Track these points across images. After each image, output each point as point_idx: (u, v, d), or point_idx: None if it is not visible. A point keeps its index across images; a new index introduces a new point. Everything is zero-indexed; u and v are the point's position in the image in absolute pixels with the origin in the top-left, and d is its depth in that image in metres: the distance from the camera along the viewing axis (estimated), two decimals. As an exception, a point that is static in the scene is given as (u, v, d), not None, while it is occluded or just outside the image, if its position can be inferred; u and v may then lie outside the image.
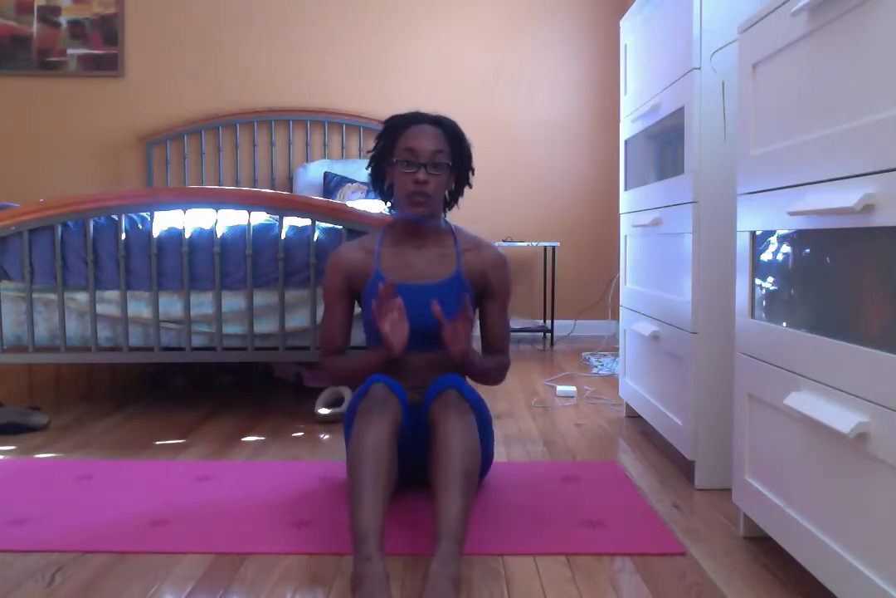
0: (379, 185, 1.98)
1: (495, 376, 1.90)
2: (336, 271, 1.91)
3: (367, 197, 4.15)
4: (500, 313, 1.95)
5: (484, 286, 1.93)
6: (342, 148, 4.72)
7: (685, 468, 2.07)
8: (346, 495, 1.64)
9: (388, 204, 2.00)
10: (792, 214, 1.24)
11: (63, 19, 4.66)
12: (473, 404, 1.67)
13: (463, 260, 1.90)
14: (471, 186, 2.00)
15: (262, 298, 2.59)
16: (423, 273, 1.88)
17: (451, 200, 2.00)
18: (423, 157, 1.82)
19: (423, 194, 1.82)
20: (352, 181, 4.28)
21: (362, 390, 1.67)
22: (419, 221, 1.88)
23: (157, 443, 2.33)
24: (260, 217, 2.66)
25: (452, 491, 1.44)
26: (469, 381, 1.81)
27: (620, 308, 2.68)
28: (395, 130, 1.89)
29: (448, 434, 1.54)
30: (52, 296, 2.59)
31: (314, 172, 4.46)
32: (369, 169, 1.98)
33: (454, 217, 4.68)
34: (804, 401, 1.24)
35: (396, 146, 1.87)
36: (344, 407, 2.59)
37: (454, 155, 1.89)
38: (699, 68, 1.86)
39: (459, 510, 1.41)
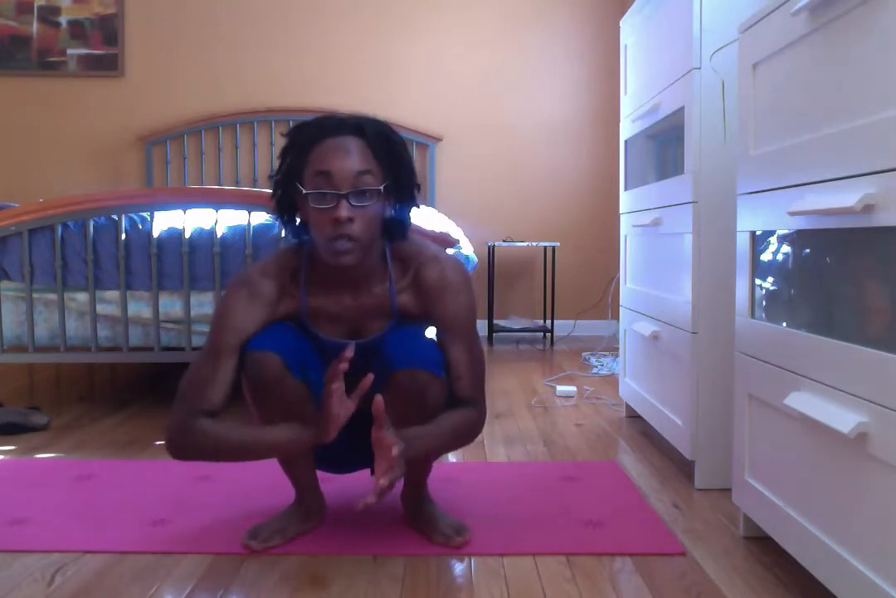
0: (289, 220, 1.49)
1: (456, 441, 1.46)
2: (253, 309, 1.46)
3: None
4: (461, 349, 1.49)
5: (432, 320, 1.51)
6: (342, 148, 4.70)
7: (685, 468, 2.07)
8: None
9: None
10: (792, 214, 1.24)
11: (63, 19, 4.65)
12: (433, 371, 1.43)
13: (399, 305, 1.50)
14: (418, 207, 1.50)
15: (262, 298, 2.58)
16: (359, 328, 1.52)
17: (395, 231, 1.50)
18: (342, 184, 1.36)
19: (349, 238, 1.37)
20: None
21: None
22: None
23: (157, 443, 2.33)
24: (260, 217, 2.66)
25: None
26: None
27: (620, 308, 2.68)
28: (301, 147, 1.41)
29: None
30: (52, 296, 2.59)
31: (314, 172, 4.46)
32: (274, 199, 1.48)
33: (451, 215, 4.66)
34: (804, 401, 1.24)
35: (304, 171, 1.40)
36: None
37: (387, 172, 1.42)
38: (699, 68, 1.86)
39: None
